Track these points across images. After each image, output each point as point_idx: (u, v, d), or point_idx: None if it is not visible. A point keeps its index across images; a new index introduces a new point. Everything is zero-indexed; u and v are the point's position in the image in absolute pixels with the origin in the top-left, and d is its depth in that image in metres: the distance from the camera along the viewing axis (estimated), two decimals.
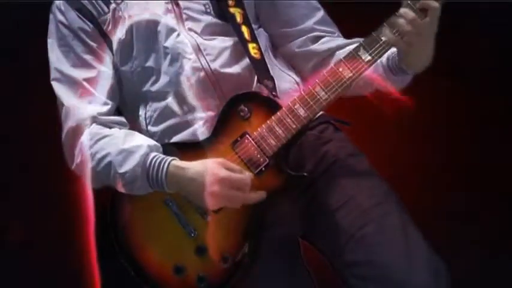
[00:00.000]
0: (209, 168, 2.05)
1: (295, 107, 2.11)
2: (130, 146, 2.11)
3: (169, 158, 2.10)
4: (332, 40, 2.30)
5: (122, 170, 2.10)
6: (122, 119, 2.24)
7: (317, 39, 2.30)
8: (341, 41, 2.30)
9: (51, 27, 2.25)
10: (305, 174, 2.15)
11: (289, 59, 2.35)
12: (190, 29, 2.22)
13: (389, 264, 2.07)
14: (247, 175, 2.08)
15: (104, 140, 2.14)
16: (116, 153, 2.11)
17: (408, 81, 2.21)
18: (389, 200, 2.17)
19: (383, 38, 2.07)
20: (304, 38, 2.30)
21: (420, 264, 2.06)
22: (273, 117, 2.12)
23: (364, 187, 2.19)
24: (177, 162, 2.10)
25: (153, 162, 2.09)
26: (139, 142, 2.13)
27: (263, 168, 2.12)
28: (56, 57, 2.23)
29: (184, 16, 2.23)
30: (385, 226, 2.12)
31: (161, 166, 2.08)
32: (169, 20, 2.21)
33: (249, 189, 2.06)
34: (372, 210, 2.14)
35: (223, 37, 2.23)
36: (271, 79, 2.19)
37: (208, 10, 2.24)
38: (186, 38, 2.21)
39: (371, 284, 2.08)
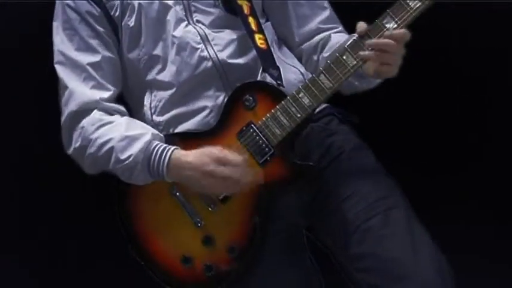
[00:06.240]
0: (205, 151, 2.07)
1: (300, 95, 2.10)
2: (133, 133, 2.13)
3: (172, 147, 2.11)
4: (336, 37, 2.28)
5: (123, 156, 2.11)
6: (122, 108, 2.24)
7: (323, 47, 2.28)
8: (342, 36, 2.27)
9: (58, 10, 2.24)
10: (311, 163, 2.14)
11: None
12: (198, 21, 2.23)
13: (393, 257, 2.05)
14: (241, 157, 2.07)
15: (106, 126, 2.16)
16: (118, 139, 2.13)
17: (377, 83, 2.18)
18: (394, 194, 2.16)
19: (387, 26, 2.05)
20: (310, 43, 2.29)
21: (424, 259, 2.04)
22: (277, 106, 2.11)
23: (370, 181, 2.18)
24: (179, 151, 2.11)
25: (155, 150, 2.10)
26: (143, 130, 2.15)
27: (268, 158, 2.11)
28: (60, 40, 2.23)
29: (192, 8, 2.23)
30: (390, 220, 2.10)
31: (164, 154, 2.10)
32: (178, 10, 2.22)
33: (244, 169, 2.06)
34: (378, 204, 2.12)
35: (230, 30, 2.24)
36: (277, 68, 2.19)
37: (217, 3, 2.25)
38: (195, 28, 2.22)
39: (374, 277, 2.06)
